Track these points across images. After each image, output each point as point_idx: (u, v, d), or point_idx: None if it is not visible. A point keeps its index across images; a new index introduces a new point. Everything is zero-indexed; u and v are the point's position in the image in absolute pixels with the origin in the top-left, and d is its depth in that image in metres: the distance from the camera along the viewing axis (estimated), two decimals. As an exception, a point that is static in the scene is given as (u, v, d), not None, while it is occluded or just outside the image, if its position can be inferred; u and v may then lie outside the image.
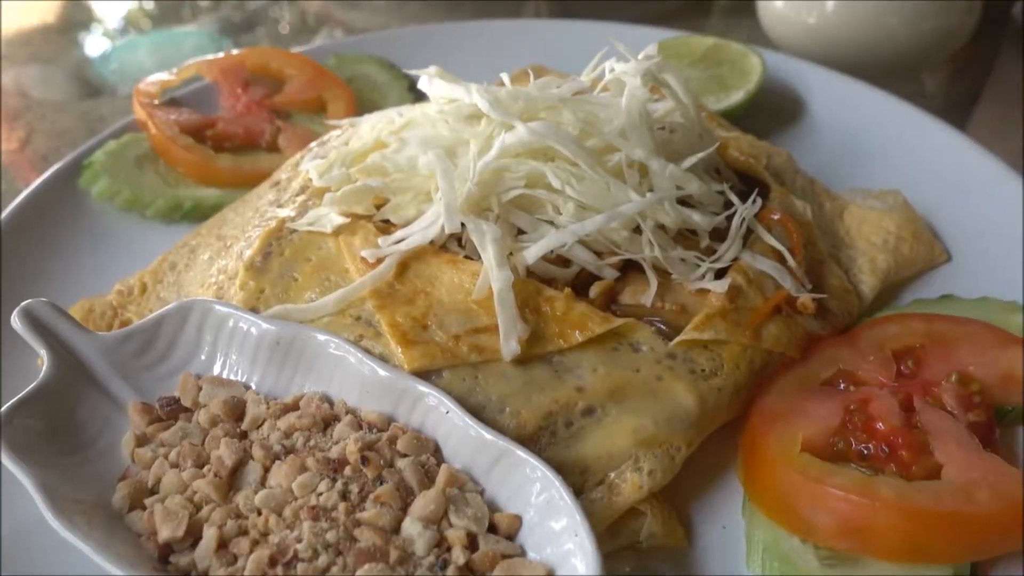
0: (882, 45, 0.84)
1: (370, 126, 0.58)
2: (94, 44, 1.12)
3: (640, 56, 0.57)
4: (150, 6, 1.22)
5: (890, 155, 0.69)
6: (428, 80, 0.57)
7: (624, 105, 0.53)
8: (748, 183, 0.61)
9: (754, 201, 0.55)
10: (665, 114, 0.57)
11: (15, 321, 0.47)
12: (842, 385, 0.50)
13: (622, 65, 0.56)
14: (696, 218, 0.52)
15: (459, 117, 0.54)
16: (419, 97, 0.81)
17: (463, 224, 0.50)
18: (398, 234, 0.52)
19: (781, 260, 0.53)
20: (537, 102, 0.53)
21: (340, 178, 0.54)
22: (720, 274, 0.52)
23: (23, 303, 0.48)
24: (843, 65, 0.87)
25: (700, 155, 0.54)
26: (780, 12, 0.89)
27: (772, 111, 0.75)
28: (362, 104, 0.76)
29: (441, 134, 0.54)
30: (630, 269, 0.52)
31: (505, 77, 0.56)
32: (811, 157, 0.70)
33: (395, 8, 1.21)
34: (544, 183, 0.51)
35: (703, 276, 0.51)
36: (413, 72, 0.60)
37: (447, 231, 0.50)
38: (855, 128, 0.72)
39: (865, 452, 0.45)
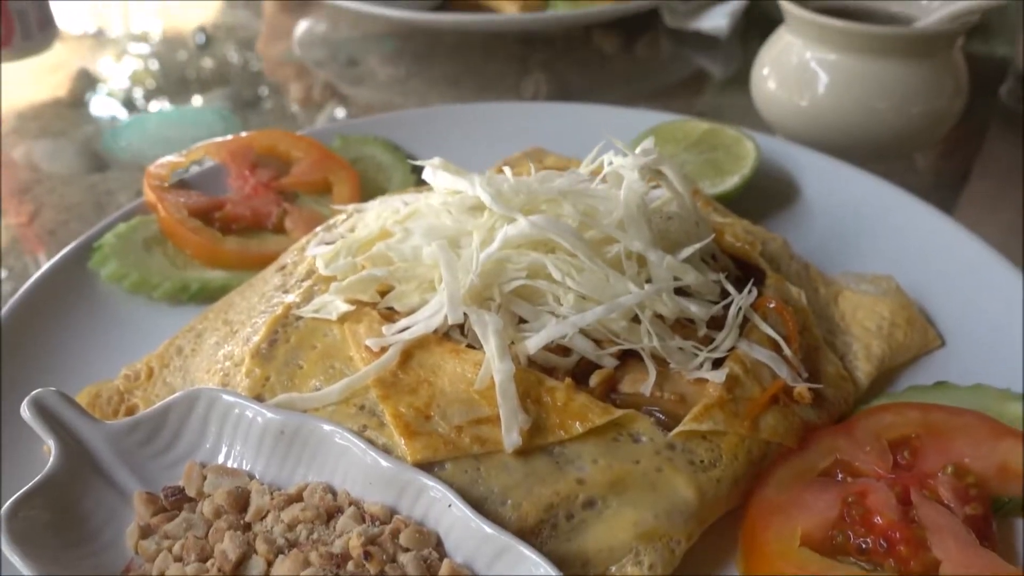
0: (872, 129, 0.86)
1: (375, 215, 0.60)
2: (104, 119, 1.14)
3: (638, 150, 0.58)
4: (157, 81, 1.25)
5: (882, 239, 0.71)
6: (432, 171, 0.58)
7: (622, 198, 0.54)
8: (744, 268, 0.63)
9: (750, 291, 0.56)
10: (662, 203, 0.59)
11: (25, 411, 0.48)
12: (840, 476, 0.50)
13: (620, 159, 0.58)
14: (693, 309, 0.53)
15: (462, 208, 0.55)
16: (422, 178, 0.83)
17: (466, 314, 0.51)
18: (402, 323, 0.53)
19: (777, 349, 0.54)
20: (538, 195, 0.55)
21: (346, 267, 0.56)
22: (717, 363, 0.53)
23: (33, 393, 0.49)
24: (835, 147, 0.90)
25: (696, 246, 0.55)
26: (773, 94, 0.92)
27: (766, 194, 0.77)
28: (366, 185, 0.78)
29: (445, 224, 0.55)
30: (629, 356, 0.53)
31: (507, 171, 0.57)
32: (804, 240, 0.72)
33: (398, 84, 1.24)
34: (545, 274, 0.52)
35: (701, 365, 0.52)
36: (419, 163, 0.62)
37: (450, 322, 0.51)
38: (848, 211, 0.74)
39: (864, 546, 0.46)
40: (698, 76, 1.26)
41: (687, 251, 0.54)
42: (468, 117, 0.86)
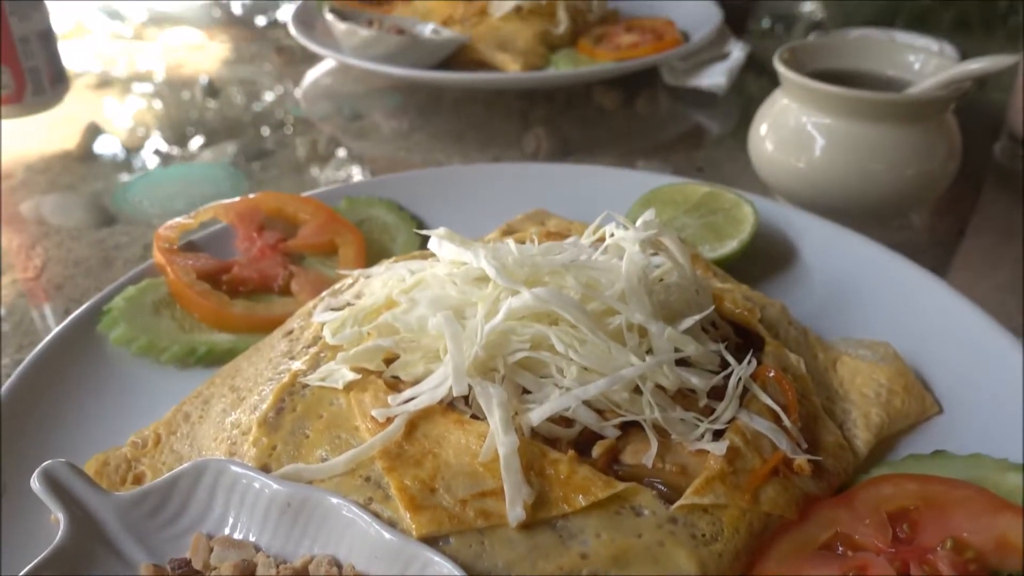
0: (868, 190, 0.88)
1: (381, 283, 0.61)
2: (113, 172, 1.16)
3: (639, 223, 0.60)
4: (164, 133, 1.28)
5: (880, 304, 0.72)
6: (438, 242, 0.59)
7: (624, 270, 0.56)
8: (743, 334, 0.64)
9: (749, 361, 0.57)
10: (663, 272, 0.60)
11: (35, 484, 0.49)
12: (840, 549, 0.51)
13: (621, 232, 0.59)
14: (694, 380, 0.54)
15: (467, 279, 0.56)
16: (425, 239, 0.84)
17: (470, 385, 0.52)
18: (407, 393, 0.54)
19: (777, 420, 0.55)
20: (541, 267, 0.56)
21: (352, 336, 0.57)
22: (718, 434, 0.53)
23: (43, 465, 0.50)
24: (832, 207, 0.91)
25: (697, 317, 0.56)
26: (770, 155, 0.94)
27: (764, 257, 0.78)
28: (371, 246, 0.79)
29: (450, 295, 0.56)
30: (631, 425, 0.54)
31: (511, 243, 0.58)
32: (802, 304, 0.73)
33: (402, 139, 1.27)
34: (548, 345, 0.53)
35: (702, 436, 0.53)
36: (424, 232, 0.63)
37: (455, 394, 0.52)
38: (845, 276, 0.75)
39: (865, 623, 0.46)
40: (697, 131, 1.29)
41: (687, 322, 0.56)
42: (472, 177, 0.88)
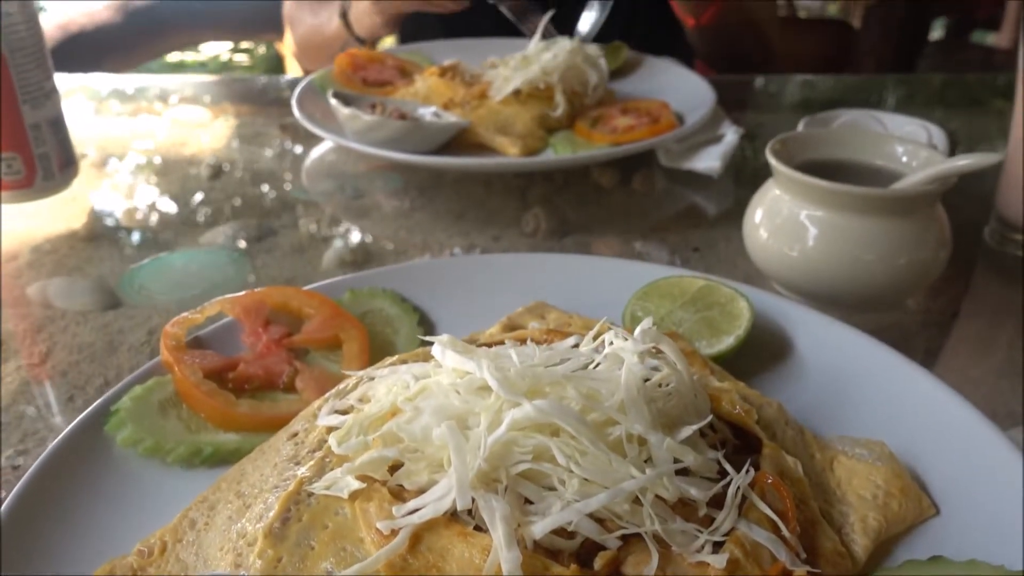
0: (861, 279, 0.90)
1: (386, 389, 0.62)
2: (119, 255, 1.18)
3: (637, 332, 0.61)
4: (169, 213, 1.30)
5: (876, 401, 0.73)
6: (441, 350, 0.61)
7: (623, 381, 0.57)
8: (740, 435, 0.65)
9: (747, 470, 0.58)
10: (662, 378, 0.62)
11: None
12: (841, 664, 0.51)
13: (620, 342, 0.60)
14: (693, 492, 0.55)
15: (470, 389, 0.58)
16: (428, 330, 0.86)
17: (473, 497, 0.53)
18: (411, 504, 0.54)
19: (776, 529, 0.56)
20: (543, 378, 0.58)
21: (358, 446, 0.58)
22: (718, 545, 0.54)
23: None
24: (826, 295, 0.93)
25: (696, 427, 0.57)
26: (764, 243, 0.96)
27: (759, 350, 0.79)
28: (375, 339, 0.81)
29: (453, 405, 0.57)
30: (632, 535, 0.55)
31: (512, 352, 0.60)
32: (797, 399, 0.74)
33: (403, 217, 1.29)
34: (550, 456, 0.54)
35: (702, 548, 0.54)
36: (428, 339, 0.65)
37: (459, 507, 0.53)
38: (841, 370, 0.76)
39: None
40: (692, 211, 1.31)
41: (686, 431, 0.57)
42: (473, 268, 0.90)
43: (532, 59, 1.30)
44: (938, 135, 1.12)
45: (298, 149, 1.52)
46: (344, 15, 1.63)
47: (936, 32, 4.82)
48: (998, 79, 1.86)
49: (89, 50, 2.71)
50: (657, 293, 0.81)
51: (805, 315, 0.81)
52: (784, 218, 0.93)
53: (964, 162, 0.82)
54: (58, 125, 1.16)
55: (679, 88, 1.44)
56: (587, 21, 1.46)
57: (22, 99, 1.10)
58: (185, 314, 0.79)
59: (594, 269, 0.89)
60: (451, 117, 1.25)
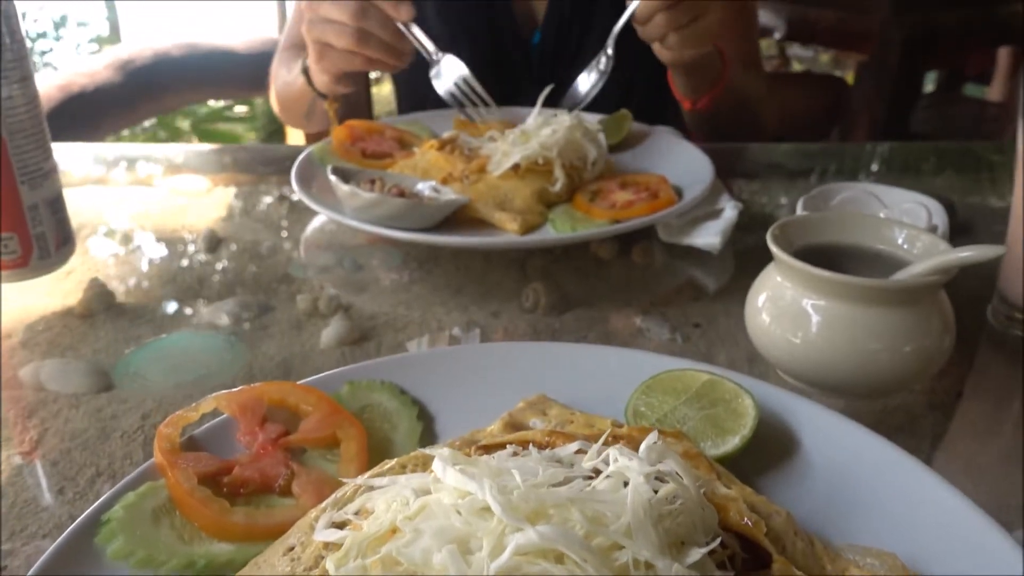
0: (866, 367, 0.89)
1: (385, 504, 0.60)
2: (114, 334, 1.17)
3: (641, 451, 0.60)
4: (165, 288, 1.29)
5: (884, 504, 0.71)
6: (442, 467, 0.59)
7: (629, 502, 0.56)
8: (749, 547, 0.64)
9: (758, 595, 0.56)
10: (669, 493, 0.60)
11: None
12: None
13: (626, 461, 0.59)
14: (703, 621, 0.53)
15: (472, 510, 0.56)
16: (427, 425, 0.85)
17: (476, 628, 0.51)
18: (412, 634, 0.53)
19: (789, 658, 0.54)
20: (547, 500, 0.56)
21: (356, 570, 0.56)
22: (730, 677, 0.52)
23: None
24: (830, 383, 0.92)
25: (704, 551, 0.56)
26: (767, 328, 0.95)
27: (765, 449, 0.78)
28: (373, 435, 0.79)
29: (454, 527, 0.56)
30: (640, 663, 0.53)
31: (516, 474, 0.58)
32: (804, 501, 0.73)
33: (402, 291, 1.28)
34: (555, 583, 0.53)
35: None
36: (427, 450, 0.63)
37: (461, 641, 0.51)
38: (849, 472, 0.75)
39: None
40: (692, 285, 1.31)
41: (695, 555, 0.55)
42: (472, 358, 0.89)
43: (531, 134, 1.31)
44: (937, 212, 1.12)
45: (297, 220, 1.52)
46: (305, 71, 1.63)
47: (928, 85, 4.89)
48: (994, 144, 1.87)
49: (89, 110, 2.73)
50: (660, 388, 0.80)
51: (811, 410, 0.80)
52: (786, 304, 0.92)
53: (967, 254, 0.82)
54: (56, 204, 1.15)
55: (677, 160, 1.44)
56: (585, 84, 1.48)
57: (20, 180, 1.10)
58: (180, 412, 0.78)
59: (595, 359, 0.88)
60: (450, 193, 1.26)
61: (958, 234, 1.35)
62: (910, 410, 1.01)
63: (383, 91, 6.41)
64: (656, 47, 1.43)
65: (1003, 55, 4.63)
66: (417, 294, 1.28)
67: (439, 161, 1.31)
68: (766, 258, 1.27)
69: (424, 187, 1.28)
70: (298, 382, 0.84)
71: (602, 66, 1.51)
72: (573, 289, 1.29)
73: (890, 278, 0.87)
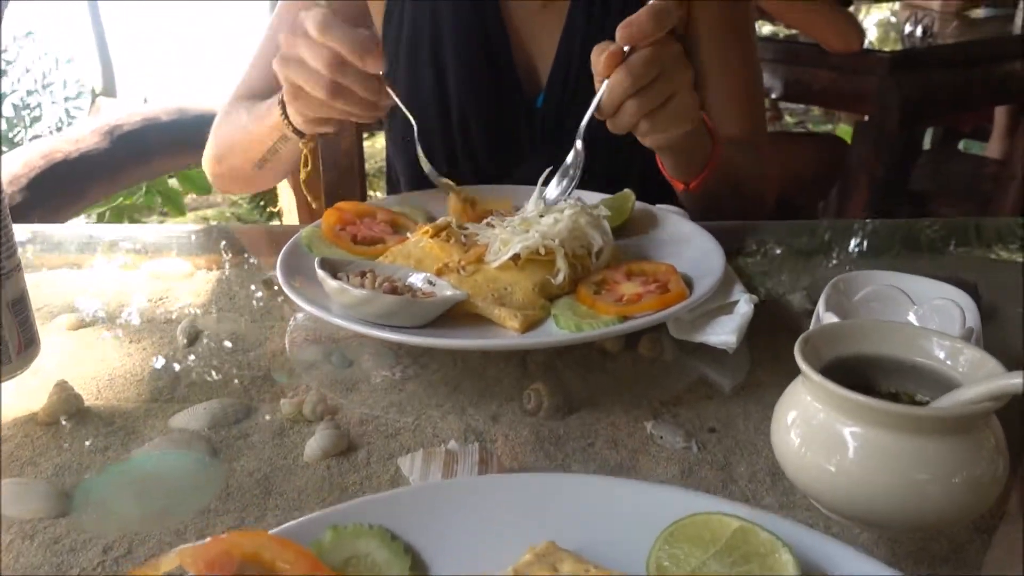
0: (911, 500, 0.79)
1: None
2: (79, 444, 1.07)
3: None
4: (139, 388, 1.20)
5: None
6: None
7: None
8: None
9: None
10: None
11: None
12: None
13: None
14: None
15: None
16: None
17: None
18: None
19: None
20: None
21: None
22: None
23: None
24: (871, 517, 0.82)
25: None
26: (796, 450, 0.86)
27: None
28: (359, 593, 0.70)
29: None
30: None
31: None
32: None
33: (394, 390, 1.19)
34: None
35: None
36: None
37: None
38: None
39: None
40: (704, 382, 1.22)
41: None
42: (472, 493, 0.79)
43: (532, 221, 1.23)
44: (970, 309, 1.04)
45: (282, 307, 1.43)
46: (283, 103, 1.49)
47: (924, 140, 4.89)
48: (1016, 223, 1.81)
49: (74, 177, 2.66)
50: (685, 536, 0.71)
51: (855, 562, 0.71)
52: (818, 427, 0.83)
53: (1020, 380, 0.73)
54: (19, 306, 1.07)
55: (685, 244, 1.36)
56: (554, 191, 1.40)
57: (-20, 281, 1.01)
58: (138, 571, 0.68)
59: (610, 494, 0.79)
60: (446, 287, 1.17)
61: (985, 320, 1.27)
62: (954, 537, 0.92)
63: (376, 145, 6.39)
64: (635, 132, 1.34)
65: (1000, 113, 4.63)
66: (411, 393, 1.19)
67: (434, 250, 1.23)
68: (783, 352, 1.19)
69: (418, 280, 1.20)
70: (276, 529, 0.74)
71: (570, 162, 1.42)
72: (577, 386, 1.20)
73: (936, 403, 0.79)
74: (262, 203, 5.78)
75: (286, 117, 1.51)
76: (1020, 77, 3.83)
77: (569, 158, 1.43)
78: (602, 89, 1.29)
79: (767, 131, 1.96)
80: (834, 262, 1.59)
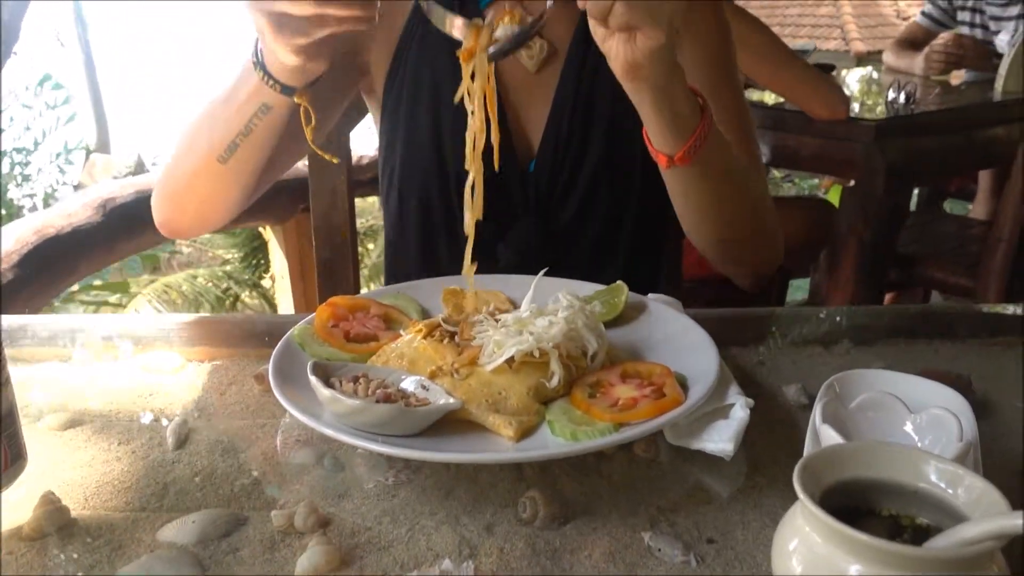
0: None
1: None
2: (64, 562, 1.05)
3: None
4: (127, 496, 1.18)
5: None
6: None
7: None
8: None
9: None
10: None
11: None
12: None
13: None
14: None
15: None
16: None
17: None
18: None
19: None
20: None
21: None
22: None
23: None
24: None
25: None
26: (797, 579, 0.85)
27: None
28: None
29: None
30: None
31: None
32: None
33: (386, 496, 1.17)
34: None
35: None
36: None
37: None
38: None
39: None
40: (701, 486, 1.21)
41: None
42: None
43: (526, 322, 1.23)
44: (967, 418, 1.04)
45: (274, 405, 1.42)
46: (260, 61, 1.37)
47: (911, 202, 4.94)
48: (1008, 311, 1.82)
49: (66, 251, 2.66)
50: None
51: None
52: (818, 559, 0.82)
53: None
54: (8, 420, 1.05)
55: (678, 341, 1.36)
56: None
57: (-33, 398, 1.00)
58: None
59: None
60: (440, 392, 1.16)
61: (978, 415, 1.27)
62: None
63: (368, 199, 6.41)
64: (613, 50, 1.27)
65: (984, 175, 4.70)
66: (404, 500, 1.17)
67: (427, 351, 1.23)
68: (780, 455, 1.18)
69: (411, 384, 1.19)
70: None
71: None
72: (573, 491, 1.18)
73: (938, 539, 0.78)
74: (255, 262, 5.79)
75: (267, 76, 1.40)
76: (1002, 142, 3.90)
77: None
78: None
79: (762, 164, 1.90)
80: (829, 353, 1.59)
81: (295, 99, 1.43)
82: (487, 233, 1.81)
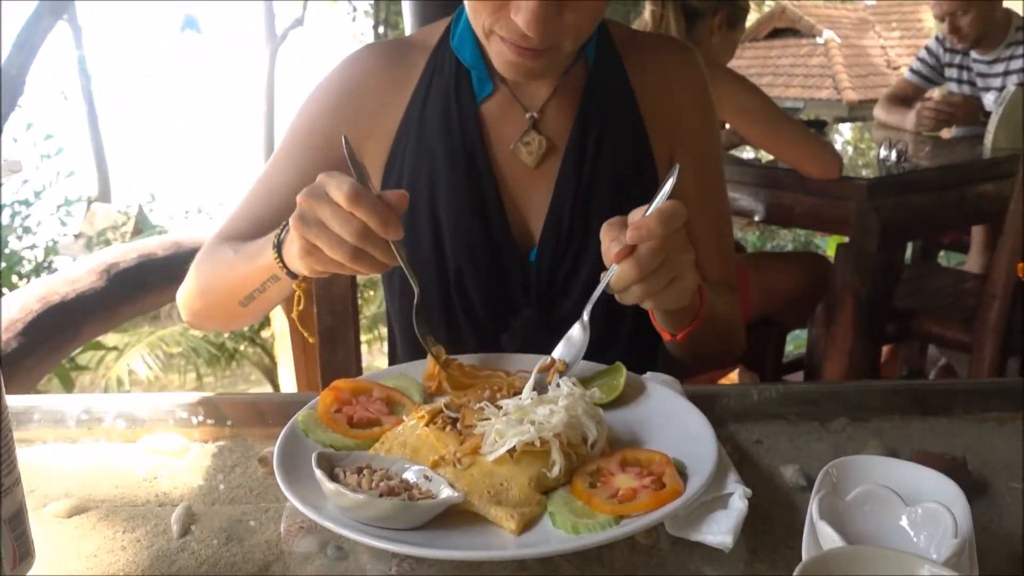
0: None
1: None
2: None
3: None
4: (135, 590, 1.18)
5: None
6: None
7: None
8: None
9: None
10: None
11: None
12: None
13: None
14: None
15: None
16: None
17: None
18: None
19: None
20: None
21: None
22: None
23: None
24: None
25: None
26: None
27: None
28: None
29: None
30: None
31: None
32: None
33: (382, 564, 1.18)
34: None
35: None
36: None
37: None
38: None
39: None
40: (703, 573, 1.22)
41: None
42: None
43: (528, 410, 1.25)
44: (962, 513, 1.06)
45: (278, 487, 1.43)
46: (278, 246, 1.51)
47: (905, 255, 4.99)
48: (1002, 389, 1.84)
49: (70, 319, 2.68)
50: None
51: None
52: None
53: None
54: (16, 520, 1.06)
55: (676, 424, 1.38)
56: (563, 352, 1.44)
57: (-21, 498, 1.01)
58: None
59: None
60: (442, 483, 1.18)
61: (974, 495, 1.28)
62: None
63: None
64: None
65: (976, 230, 4.76)
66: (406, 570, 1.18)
67: (430, 439, 1.25)
68: (779, 543, 1.20)
69: (414, 474, 1.21)
70: None
71: (576, 337, 1.50)
72: (574, 579, 1.19)
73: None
74: (255, 325, 5.81)
75: (280, 260, 1.54)
76: (992, 198, 3.96)
77: (576, 331, 1.52)
78: (610, 272, 1.37)
79: (736, 282, 2.06)
80: (826, 430, 1.61)
81: (294, 285, 1.60)
82: (490, 321, 1.84)
